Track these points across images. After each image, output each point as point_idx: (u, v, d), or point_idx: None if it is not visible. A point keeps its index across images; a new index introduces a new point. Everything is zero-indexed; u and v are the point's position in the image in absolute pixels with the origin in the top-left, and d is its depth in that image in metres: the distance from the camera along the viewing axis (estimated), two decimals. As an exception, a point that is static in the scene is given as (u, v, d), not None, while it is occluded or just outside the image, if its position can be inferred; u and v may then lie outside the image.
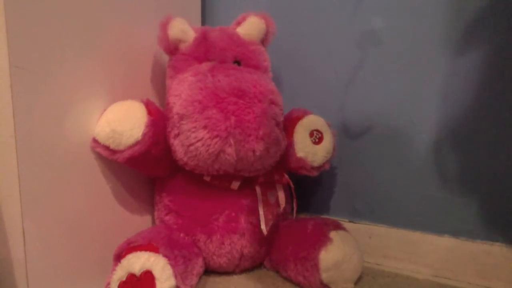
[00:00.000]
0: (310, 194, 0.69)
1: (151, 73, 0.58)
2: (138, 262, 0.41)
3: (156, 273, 0.40)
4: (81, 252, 0.45)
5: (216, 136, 0.45)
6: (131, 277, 0.40)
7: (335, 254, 0.48)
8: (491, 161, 0.54)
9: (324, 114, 0.58)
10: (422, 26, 0.57)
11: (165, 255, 0.42)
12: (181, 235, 0.51)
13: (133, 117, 0.46)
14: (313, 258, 0.49)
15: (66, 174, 0.43)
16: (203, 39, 0.55)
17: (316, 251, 0.49)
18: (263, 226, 0.52)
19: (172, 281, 0.41)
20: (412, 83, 0.58)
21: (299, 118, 0.55)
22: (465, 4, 0.54)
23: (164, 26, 0.54)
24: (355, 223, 0.64)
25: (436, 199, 0.58)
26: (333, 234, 0.50)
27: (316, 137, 0.55)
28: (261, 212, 0.53)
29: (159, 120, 0.49)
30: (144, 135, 0.46)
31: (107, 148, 0.46)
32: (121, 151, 0.46)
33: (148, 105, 0.48)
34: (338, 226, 0.53)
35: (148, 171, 0.54)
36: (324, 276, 0.48)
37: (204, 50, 0.55)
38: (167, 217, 0.54)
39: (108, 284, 0.41)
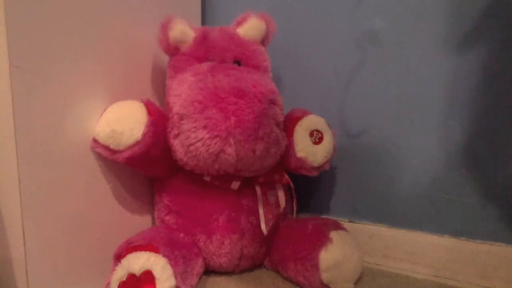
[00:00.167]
0: (310, 194, 0.69)
1: (151, 73, 0.58)
2: (138, 262, 0.41)
3: (156, 273, 0.40)
4: (81, 252, 0.45)
5: (216, 136, 0.45)
6: (131, 277, 0.40)
7: (335, 254, 0.48)
8: (491, 161, 0.54)
9: (324, 114, 0.58)
10: (422, 26, 0.57)
11: (165, 255, 0.42)
12: (181, 235, 0.51)
13: (133, 117, 0.46)
14: (313, 258, 0.49)
15: (66, 174, 0.43)
16: (203, 39, 0.55)
17: (316, 251, 0.49)
18: (263, 226, 0.52)
19: (172, 281, 0.41)
20: (412, 83, 0.58)
21: (299, 118, 0.55)
22: (465, 4, 0.54)
23: (164, 27, 0.54)
24: (355, 223, 0.64)
25: (436, 199, 0.58)
26: (333, 234, 0.50)
27: (316, 137, 0.55)
28: (261, 212, 0.53)
29: (159, 120, 0.49)
30: (144, 135, 0.46)
31: (107, 148, 0.46)
32: (121, 151, 0.46)
33: (148, 105, 0.48)
34: (338, 226, 0.53)
35: (148, 171, 0.54)
36: (324, 276, 0.48)
37: (204, 50, 0.55)
38: (167, 217, 0.54)
39: (108, 284, 0.41)
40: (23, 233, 0.38)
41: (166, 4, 0.61)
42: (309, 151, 0.54)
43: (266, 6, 0.69)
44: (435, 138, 0.57)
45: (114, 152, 0.46)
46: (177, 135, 0.48)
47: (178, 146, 0.48)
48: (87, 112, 0.46)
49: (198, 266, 0.50)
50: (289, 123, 0.55)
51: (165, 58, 0.57)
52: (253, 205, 0.53)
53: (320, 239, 0.50)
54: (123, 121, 0.45)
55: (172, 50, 0.55)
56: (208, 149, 0.46)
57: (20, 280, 0.38)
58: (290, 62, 0.68)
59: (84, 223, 0.46)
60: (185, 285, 0.44)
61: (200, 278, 0.51)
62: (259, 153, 0.47)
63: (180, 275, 0.43)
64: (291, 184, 0.56)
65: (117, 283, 0.40)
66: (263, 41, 0.59)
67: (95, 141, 0.46)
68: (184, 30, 0.54)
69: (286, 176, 0.55)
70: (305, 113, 0.56)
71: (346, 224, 0.56)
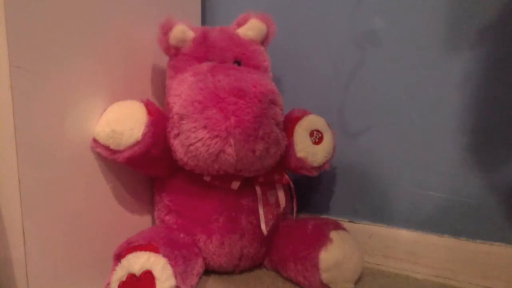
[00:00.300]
0: (310, 194, 0.69)
1: (151, 73, 0.58)
2: (138, 262, 0.41)
3: (156, 273, 0.40)
4: (81, 252, 0.45)
5: (216, 136, 0.45)
6: (131, 277, 0.40)
7: (335, 254, 0.48)
8: (491, 160, 0.54)
9: (324, 114, 0.58)
10: (422, 26, 0.57)
11: (165, 255, 0.42)
12: (181, 235, 0.51)
13: (133, 117, 0.46)
14: (313, 258, 0.49)
15: (66, 174, 0.43)
16: (203, 39, 0.55)
17: (316, 251, 0.49)
18: (263, 226, 0.52)
19: (172, 281, 0.41)
20: (412, 83, 0.58)
21: (299, 118, 0.55)
22: (465, 3, 0.54)
23: (164, 27, 0.53)
24: (355, 223, 0.64)
25: (436, 199, 0.58)
26: (333, 234, 0.50)
27: (316, 137, 0.55)
28: (261, 212, 0.53)
29: (159, 120, 0.49)
30: (144, 135, 0.46)
31: (107, 148, 0.46)
32: (121, 151, 0.46)
33: (148, 105, 0.48)
34: (338, 226, 0.53)
35: (148, 171, 0.54)
36: (324, 276, 0.48)
37: (204, 50, 0.55)
38: (167, 217, 0.54)
39: (108, 284, 0.41)
40: (23, 233, 0.38)
41: (166, 4, 0.61)
42: (309, 151, 0.54)
43: (266, 6, 0.69)
44: (435, 138, 0.57)
45: (114, 152, 0.46)
46: (177, 135, 0.48)
47: (178, 146, 0.48)
48: (87, 112, 0.46)
49: (198, 266, 0.50)
50: (289, 123, 0.55)
51: (165, 58, 0.57)
52: (253, 205, 0.53)
53: (320, 239, 0.50)
54: (123, 121, 0.45)
55: (172, 50, 0.55)
56: (208, 149, 0.45)
57: (20, 280, 0.38)
58: (290, 62, 0.68)
59: (84, 223, 0.46)
60: (185, 285, 0.44)
61: (200, 278, 0.51)
62: (259, 153, 0.47)
63: (180, 275, 0.43)
64: (291, 184, 0.56)
65: (117, 283, 0.40)
66: (263, 42, 0.59)
67: (95, 141, 0.46)
68: (184, 30, 0.54)
69: (286, 176, 0.55)
70: (305, 113, 0.56)
71: (346, 224, 0.56)
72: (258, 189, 0.53)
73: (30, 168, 0.38)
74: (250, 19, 0.58)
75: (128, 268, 0.40)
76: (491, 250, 0.54)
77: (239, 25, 0.58)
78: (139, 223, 0.56)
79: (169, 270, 0.41)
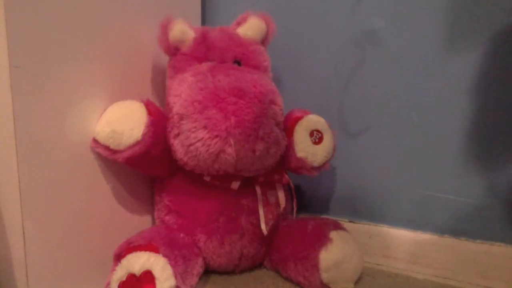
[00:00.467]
0: (310, 194, 0.69)
1: (151, 73, 0.58)
2: (138, 262, 0.41)
3: (156, 273, 0.40)
4: (81, 252, 0.45)
5: (216, 136, 0.45)
6: (131, 277, 0.40)
7: (335, 254, 0.48)
8: (491, 161, 0.54)
9: (324, 114, 0.58)
10: (422, 26, 0.57)
11: (165, 255, 0.42)
12: (181, 235, 0.51)
13: (133, 117, 0.46)
14: (313, 258, 0.49)
15: (66, 174, 0.43)
16: (203, 39, 0.55)
17: (316, 251, 0.49)
18: (263, 226, 0.52)
19: (172, 281, 0.41)
20: (412, 83, 0.58)
21: (299, 118, 0.55)
22: (465, 4, 0.54)
23: (164, 27, 0.53)
24: (355, 223, 0.64)
25: (436, 199, 0.58)
26: (333, 234, 0.50)
27: (316, 137, 0.55)
28: (261, 212, 0.53)
29: (159, 120, 0.49)
30: (144, 135, 0.46)
31: (107, 148, 0.46)
32: (121, 151, 0.46)
33: (148, 105, 0.48)
34: (338, 226, 0.53)
35: (148, 171, 0.54)
36: (324, 276, 0.48)
37: (204, 50, 0.55)
38: (167, 217, 0.54)
39: (108, 284, 0.41)
40: (23, 233, 0.38)
41: (166, 4, 0.61)
42: (309, 151, 0.54)
43: (266, 6, 0.69)
44: (435, 138, 0.57)
45: (114, 152, 0.46)
46: (177, 135, 0.48)
47: (178, 146, 0.48)
48: (87, 112, 0.46)
49: (198, 266, 0.50)
50: (289, 123, 0.55)
51: (165, 58, 0.57)
52: (253, 205, 0.53)
53: (320, 239, 0.50)
54: (123, 121, 0.45)
55: (172, 50, 0.55)
56: (208, 149, 0.45)
57: (20, 280, 0.38)
58: (290, 62, 0.68)
59: (84, 223, 0.46)
60: (185, 285, 0.44)
61: (200, 278, 0.51)
62: (259, 153, 0.47)
63: (180, 275, 0.43)
64: (291, 184, 0.56)
65: (117, 283, 0.40)
66: (263, 41, 0.59)
67: (95, 141, 0.46)
68: (184, 30, 0.54)
69: (286, 176, 0.55)
70: (305, 113, 0.56)
71: (346, 224, 0.56)
72: (258, 189, 0.53)
73: (30, 168, 0.38)
74: (250, 19, 0.58)
75: (128, 268, 0.40)
76: (491, 250, 0.54)
77: (239, 25, 0.58)
78: (139, 223, 0.56)
79: (169, 270, 0.41)
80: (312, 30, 0.66)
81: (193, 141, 0.46)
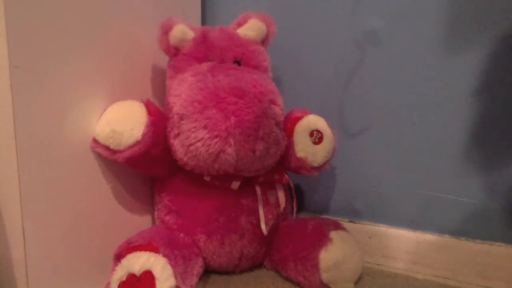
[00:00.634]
0: (310, 194, 0.69)
1: (151, 73, 0.58)
2: (138, 262, 0.41)
3: (156, 273, 0.40)
4: (81, 252, 0.45)
5: (216, 136, 0.45)
6: (131, 277, 0.40)
7: (335, 254, 0.48)
8: (491, 161, 0.54)
9: (324, 114, 0.58)
10: (422, 26, 0.57)
11: (165, 255, 0.42)
12: (181, 235, 0.51)
13: (133, 117, 0.46)
14: (313, 258, 0.49)
15: (66, 174, 0.43)
16: (203, 39, 0.55)
17: (316, 251, 0.49)
18: (263, 226, 0.52)
19: (172, 281, 0.41)
20: (412, 83, 0.58)
21: (299, 118, 0.55)
22: (465, 4, 0.54)
23: (164, 27, 0.53)
24: (355, 223, 0.64)
25: (436, 199, 0.58)
26: (333, 234, 0.50)
27: (316, 137, 0.55)
28: (261, 212, 0.53)
29: (159, 120, 0.49)
30: (144, 135, 0.46)
31: (107, 148, 0.46)
32: (121, 151, 0.46)
33: (148, 105, 0.48)
34: (338, 226, 0.53)
35: (148, 171, 0.54)
36: (324, 276, 0.48)
37: (204, 50, 0.55)
38: (167, 217, 0.54)
39: (108, 284, 0.41)
40: (23, 233, 0.38)
41: (166, 4, 0.61)
42: (309, 151, 0.54)
43: (266, 6, 0.69)
44: (435, 138, 0.57)
45: (114, 152, 0.46)
46: (177, 135, 0.48)
47: (178, 146, 0.48)
48: (87, 112, 0.46)
49: (198, 266, 0.50)
50: (289, 123, 0.55)
51: (165, 58, 0.57)
52: (253, 205, 0.53)
53: (320, 239, 0.50)
54: (123, 121, 0.45)
55: (172, 50, 0.55)
56: (208, 149, 0.46)
57: (20, 280, 0.38)
58: (290, 62, 0.68)
59: (84, 223, 0.46)
60: (185, 285, 0.44)
61: (200, 278, 0.51)
62: (259, 153, 0.47)
63: (180, 275, 0.43)
64: (291, 184, 0.56)
65: (117, 283, 0.40)
66: (263, 42, 0.59)
67: (95, 141, 0.46)
68: (184, 30, 0.54)
69: (286, 176, 0.55)
70: (305, 113, 0.56)
71: (346, 224, 0.56)
72: (258, 189, 0.53)
73: (30, 168, 0.38)
74: (250, 19, 0.58)
75: (128, 268, 0.40)
76: (491, 250, 0.54)
77: (239, 25, 0.58)
78: (139, 223, 0.56)
79: (169, 270, 0.41)
80: (312, 30, 0.66)
81: (193, 141, 0.46)
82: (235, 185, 0.52)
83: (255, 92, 0.47)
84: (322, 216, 0.66)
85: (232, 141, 0.45)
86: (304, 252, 0.50)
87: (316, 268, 0.48)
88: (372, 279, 0.56)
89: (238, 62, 0.56)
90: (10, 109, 0.36)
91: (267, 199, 0.54)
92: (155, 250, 0.42)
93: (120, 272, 0.40)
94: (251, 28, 0.57)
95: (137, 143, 0.46)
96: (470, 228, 0.56)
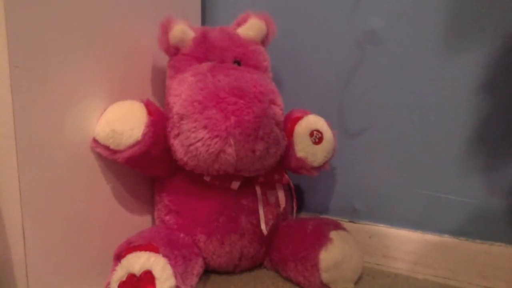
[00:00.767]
0: (310, 194, 0.69)
1: (151, 73, 0.58)
2: (138, 262, 0.41)
3: (156, 273, 0.40)
4: (81, 252, 0.45)
5: (216, 136, 0.45)
6: (131, 277, 0.40)
7: (335, 254, 0.48)
8: (491, 161, 0.54)
9: (324, 114, 0.58)
10: (422, 26, 0.57)
11: (165, 255, 0.42)
12: (181, 235, 0.51)
13: (133, 117, 0.46)
14: (313, 258, 0.49)
15: (66, 174, 0.43)
16: (203, 39, 0.55)
17: (316, 251, 0.49)
18: (263, 226, 0.52)
19: (172, 281, 0.41)
20: (412, 83, 0.58)
21: (299, 118, 0.55)
22: (465, 4, 0.54)
23: (164, 27, 0.53)
24: (355, 223, 0.64)
25: (436, 199, 0.58)
26: (333, 234, 0.50)
27: (316, 137, 0.55)
28: (261, 212, 0.53)
29: (159, 120, 0.49)
30: (144, 135, 0.46)
31: (107, 148, 0.46)
32: (121, 151, 0.46)
33: (148, 105, 0.48)
34: (338, 226, 0.53)
35: (148, 171, 0.54)
36: (324, 276, 0.48)
37: (204, 50, 0.55)
38: (167, 217, 0.54)
39: (108, 284, 0.41)
40: (23, 233, 0.38)
41: (166, 4, 0.61)
42: (309, 151, 0.54)
43: (266, 6, 0.69)
44: (435, 138, 0.57)
45: (114, 152, 0.46)
46: (177, 135, 0.48)
47: (178, 146, 0.48)
48: (87, 112, 0.46)
49: (198, 266, 0.50)
50: (289, 123, 0.55)
51: (165, 58, 0.57)
52: (253, 205, 0.53)
53: (320, 239, 0.50)
54: (123, 121, 0.45)
55: (172, 50, 0.55)
56: (208, 149, 0.46)
57: (20, 280, 0.38)
58: (290, 62, 0.68)
59: (84, 223, 0.46)
60: (185, 285, 0.44)
61: (200, 278, 0.51)
62: (259, 153, 0.47)
63: (180, 275, 0.43)
64: (291, 184, 0.56)
65: (117, 283, 0.40)
66: (263, 41, 0.59)
67: (95, 141, 0.46)
68: (184, 30, 0.54)
69: (286, 176, 0.55)
70: (305, 113, 0.56)
71: (346, 224, 0.56)
72: (258, 189, 0.53)
73: (30, 168, 0.38)
74: (250, 19, 0.58)
75: (128, 268, 0.40)
76: (491, 250, 0.54)
77: (239, 25, 0.58)
78: (139, 223, 0.56)
79: (169, 270, 0.41)
80: (312, 30, 0.66)
81: (193, 141, 0.46)
82: (235, 185, 0.52)
83: (255, 92, 0.47)
84: (322, 216, 0.66)
85: (232, 141, 0.45)
86: (304, 252, 0.50)
87: (316, 268, 0.48)
88: (372, 279, 0.56)
89: (238, 62, 0.56)
90: (10, 109, 0.36)
91: (267, 199, 0.54)
92: (155, 250, 0.42)
93: (120, 272, 0.40)
94: (251, 28, 0.57)
95: (137, 143, 0.46)
96: (470, 228, 0.56)
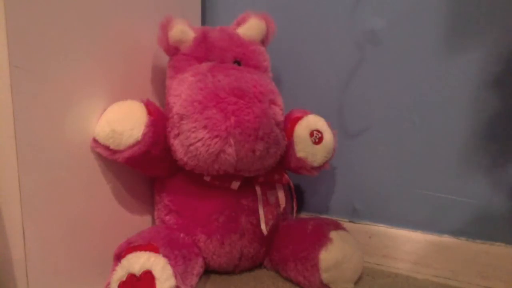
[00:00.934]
0: (310, 194, 0.69)
1: (151, 73, 0.58)
2: (138, 262, 0.41)
3: (156, 273, 0.40)
4: (81, 252, 0.45)
5: (216, 136, 0.45)
6: (131, 277, 0.40)
7: (335, 254, 0.48)
8: (491, 161, 0.54)
9: (324, 114, 0.58)
10: (422, 26, 0.57)
11: (165, 255, 0.42)
12: (181, 235, 0.51)
13: (133, 117, 0.46)
14: (313, 258, 0.49)
15: (66, 174, 0.43)
16: (203, 39, 0.55)
17: (316, 251, 0.49)
18: (263, 226, 0.52)
19: (172, 281, 0.41)
20: (412, 83, 0.58)
21: (299, 118, 0.55)
22: (465, 4, 0.54)
23: (164, 27, 0.53)
24: (355, 223, 0.64)
25: (436, 199, 0.58)
26: (333, 234, 0.50)
27: (316, 137, 0.55)
28: (261, 212, 0.53)
29: (159, 120, 0.49)
30: (144, 135, 0.46)
31: (107, 148, 0.46)
32: (121, 151, 0.46)
33: (148, 105, 0.48)
34: (338, 226, 0.53)
35: (148, 171, 0.54)
36: (324, 276, 0.48)
37: (204, 50, 0.55)
38: (167, 217, 0.54)
39: (108, 284, 0.41)
40: (23, 233, 0.38)
41: (166, 4, 0.61)
42: (309, 151, 0.54)
43: (266, 6, 0.69)
44: (435, 138, 0.57)
45: (114, 152, 0.46)
46: (177, 135, 0.48)
47: (178, 146, 0.48)
48: (87, 112, 0.46)
49: (198, 266, 0.50)
50: (289, 123, 0.55)
51: (165, 58, 0.57)
52: (253, 205, 0.53)
53: (320, 239, 0.50)
54: (123, 121, 0.45)
55: (172, 50, 0.55)
56: (208, 149, 0.46)
57: (20, 280, 0.38)
58: (290, 62, 0.68)
59: (84, 223, 0.46)
60: (185, 285, 0.44)
61: (200, 278, 0.51)
62: (259, 153, 0.47)
63: (180, 275, 0.43)
64: (291, 184, 0.56)
65: (117, 283, 0.40)
66: (263, 41, 0.59)
67: (95, 141, 0.46)
68: (184, 30, 0.54)
69: (286, 176, 0.55)
70: (305, 113, 0.56)
71: (346, 224, 0.56)
72: (258, 189, 0.53)
73: (30, 168, 0.38)
74: (250, 19, 0.58)
75: (128, 268, 0.40)
76: (491, 250, 0.54)
77: (239, 25, 0.58)
78: (139, 223, 0.56)
79: (169, 270, 0.41)
80: (312, 30, 0.66)
81: (193, 141, 0.46)
82: (235, 185, 0.52)
83: (255, 92, 0.47)
84: (322, 216, 0.66)
85: (232, 141, 0.45)
86: (304, 252, 0.50)
87: (316, 268, 0.48)
88: (372, 279, 0.56)
89: (238, 62, 0.56)
90: (10, 109, 0.36)
91: (267, 199, 0.54)
92: (155, 250, 0.42)
93: (120, 272, 0.40)
94: (251, 28, 0.57)
95: (137, 143, 0.46)
96: (470, 228, 0.56)
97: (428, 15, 0.57)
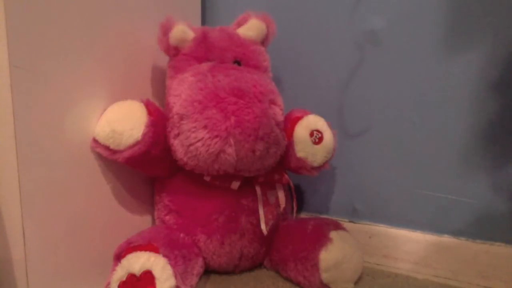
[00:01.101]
0: (310, 194, 0.69)
1: (151, 73, 0.58)
2: (138, 262, 0.41)
3: (156, 273, 0.40)
4: (81, 252, 0.45)
5: (216, 136, 0.45)
6: (131, 277, 0.40)
7: (335, 254, 0.48)
8: (491, 161, 0.54)
9: (324, 114, 0.58)
10: (422, 26, 0.57)
11: (165, 255, 0.42)
12: (181, 235, 0.51)
13: (133, 117, 0.46)
14: (313, 258, 0.49)
15: (66, 174, 0.43)
16: (203, 39, 0.55)
17: (316, 251, 0.49)
18: (263, 226, 0.52)
19: (172, 281, 0.41)
20: (412, 83, 0.58)
21: (299, 118, 0.55)
22: (465, 4, 0.54)
23: (164, 27, 0.53)
24: (355, 223, 0.64)
25: (436, 199, 0.58)
26: (333, 234, 0.50)
27: (316, 137, 0.55)
28: (261, 212, 0.53)
29: (159, 120, 0.49)
30: (144, 135, 0.46)
31: (107, 148, 0.46)
32: (121, 151, 0.46)
33: (148, 105, 0.48)
34: (338, 226, 0.53)
35: (148, 171, 0.54)
36: (324, 276, 0.48)
37: (204, 50, 0.55)
38: (167, 217, 0.54)
39: (108, 284, 0.41)
40: (23, 233, 0.38)
41: (166, 4, 0.61)
42: (309, 151, 0.54)
43: (266, 6, 0.69)
44: (435, 138, 0.57)
45: (114, 152, 0.46)
46: (177, 135, 0.48)
47: (178, 146, 0.48)
48: (87, 112, 0.46)
49: (198, 266, 0.50)
50: (289, 123, 0.55)
51: (165, 58, 0.57)
52: (253, 205, 0.53)
53: (320, 239, 0.50)
54: (123, 121, 0.45)
55: (172, 50, 0.55)
56: (208, 149, 0.46)
57: (20, 280, 0.38)
58: (290, 62, 0.68)
59: (84, 223, 0.46)
60: (185, 285, 0.44)
61: (200, 278, 0.51)
62: (259, 153, 0.47)
63: (180, 275, 0.43)
64: (291, 184, 0.56)
65: (117, 283, 0.40)
66: (263, 42, 0.59)
67: (95, 141, 0.46)
68: (184, 30, 0.54)
69: (286, 176, 0.55)
70: (305, 113, 0.56)
71: (346, 224, 0.56)
72: (258, 189, 0.53)
73: (30, 168, 0.38)
74: (250, 19, 0.58)
75: (128, 268, 0.40)
76: (491, 250, 0.54)
77: (239, 25, 0.58)
78: (139, 223, 0.56)
79: (169, 270, 0.41)
80: (312, 30, 0.66)
81: (193, 141, 0.46)
82: (235, 185, 0.52)
83: (255, 92, 0.47)
84: (322, 216, 0.66)
85: (232, 141, 0.45)
86: (304, 252, 0.50)
87: (316, 268, 0.48)
88: (372, 279, 0.56)
89: (238, 62, 0.56)
90: (10, 109, 0.36)
91: (267, 199, 0.54)
92: (155, 250, 0.42)
93: (120, 272, 0.40)
94: (251, 28, 0.57)
95: (137, 143, 0.46)
96: (470, 228, 0.56)
97: (428, 15, 0.57)
